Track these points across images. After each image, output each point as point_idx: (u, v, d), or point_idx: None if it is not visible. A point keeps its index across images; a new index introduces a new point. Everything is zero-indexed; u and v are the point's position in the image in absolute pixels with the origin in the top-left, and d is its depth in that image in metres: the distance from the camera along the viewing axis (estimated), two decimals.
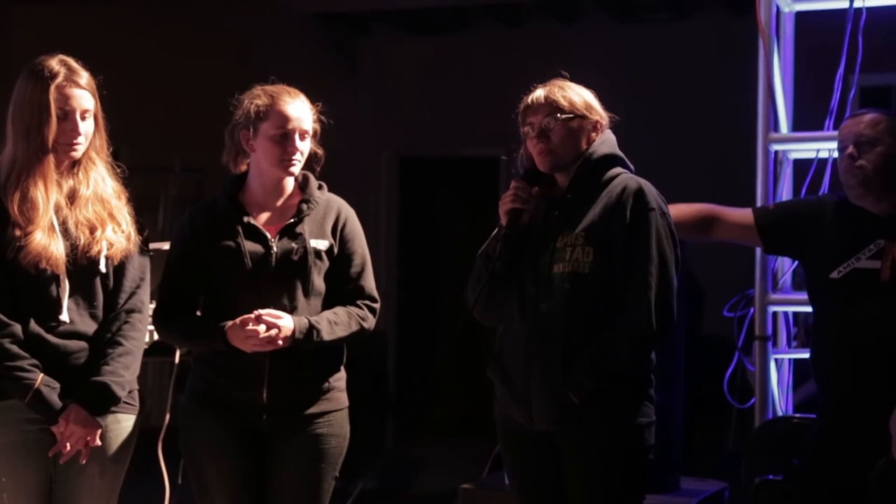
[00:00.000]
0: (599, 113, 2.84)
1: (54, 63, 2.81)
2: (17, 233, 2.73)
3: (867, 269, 2.99)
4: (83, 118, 2.82)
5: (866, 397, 2.93)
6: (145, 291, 2.90)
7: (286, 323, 2.83)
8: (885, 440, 2.65)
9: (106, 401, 2.77)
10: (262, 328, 2.81)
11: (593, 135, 2.83)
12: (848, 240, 3.05)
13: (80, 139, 2.81)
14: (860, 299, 2.98)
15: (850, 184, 3.07)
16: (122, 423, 2.85)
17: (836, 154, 3.57)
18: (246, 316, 2.83)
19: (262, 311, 2.83)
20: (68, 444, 2.72)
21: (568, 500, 2.78)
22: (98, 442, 2.76)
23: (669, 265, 2.72)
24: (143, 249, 2.92)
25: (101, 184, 2.86)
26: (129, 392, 2.87)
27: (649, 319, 2.68)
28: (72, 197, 2.81)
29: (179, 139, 7.58)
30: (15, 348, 2.70)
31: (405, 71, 7.97)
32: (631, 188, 2.75)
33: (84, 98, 2.82)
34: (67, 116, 2.79)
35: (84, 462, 2.75)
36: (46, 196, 2.76)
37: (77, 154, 2.82)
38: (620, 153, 2.86)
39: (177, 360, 3.59)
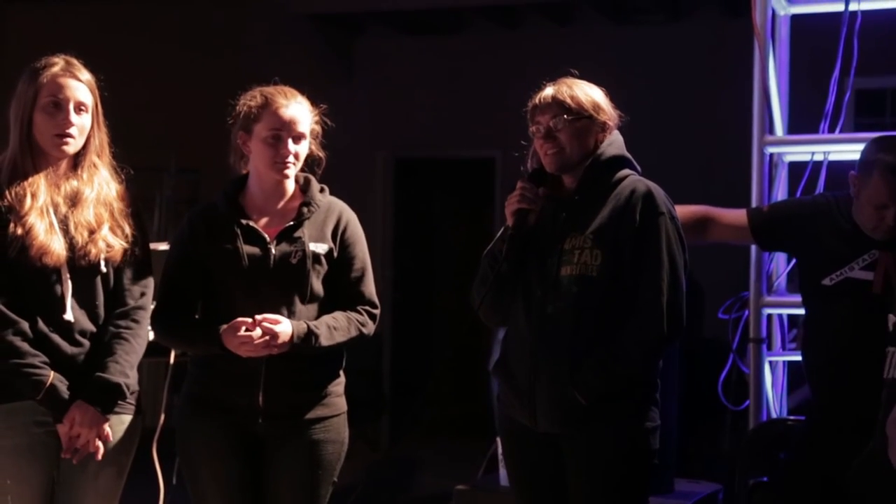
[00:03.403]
0: (608, 113, 2.81)
1: (54, 58, 2.80)
2: (18, 229, 2.71)
3: (860, 280, 2.99)
4: (78, 111, 2.78)
5: (852, 398, 2.94)
6: (150, 291, 2.89)
7: (284, 328, 2.81)
8: (868, 439, 2.66)
9: (114, 401, 2.77)
10: (256, 332, 2.79)
11: (601, 135, 2.80)
12: (843, 248, 3.04)
13: (73, 131, 2.77)
14: (851, 309, 2.98)
15: (876, 233, 3.01)
16: (125, 424, 2.84)
17: (831, 157, 3.58)
18: (240, 319, 2.81)
19: (259, 317, 2.81)
20: (78, 445, 2.71)
21: (568, 502, 2.77)
22: (110, 435, 2.75)
23: (679, 270, 2.72)
24: (146, 251, 2.91)
25: (105, 188, 2.83)
26: (132, 392, 2.86)
27: (661, 324, 2.67)
28: (74, 199, 2.79)
29: (175, 140, 7.57)
30: (25, 345, 2.69)
31: (401, 72, 7.96)
32: (640, 191, 2.74)
33: (80, 90, 2.78)
34: (60, 106, 2.76)
35: (100, 458, 2.74)
36: (34, 185, 2.74)
37: (69, 148, 2.78)
38: (628, 155, 2.84)
39: (172, 360, 3.59)
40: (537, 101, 2.80)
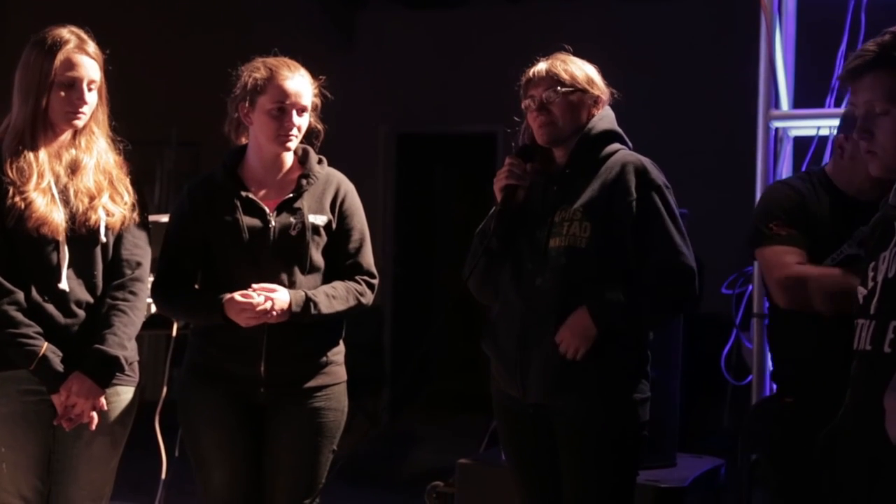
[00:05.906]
0: (600, 88, 2.84)
1: (64, 32, 2.80)
2: (18, 200, 2.72)
3: (860, 256, 2.95)
4: (90, 88, 2.81)
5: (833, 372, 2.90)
6: (147, 262, 2.90)
7: (281, 296, 2.83)
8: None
9: (112, 373, 2.78)
10: (259, 298, 2.80)
11: (593, 110, 2.83)
12: (840, 226, 3.00)
13: (85, 109, 2.80)
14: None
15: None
16: (122, 395, 2.85)
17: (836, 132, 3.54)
18: (244, 291, 2.83)
19: (256, 286, 2.83)
20: (72, 415, 2.72)
21: (562, 475, 2.78)
22: (105, 406, 2.77)
23: (686, 237, 2.77)
24: (145, 221, 2.92)
25: (104, 156, 2.86)
26: (130, 364, 2.87)
27: (691, 284, 2.73)
28: (73, 167, 2.81)
29: (176, 113, 7.55)
30: (19, 315, 2.70)
31: (403, 46, 7.93)
32: (633, 166, 2.75)
33: (92, 68, 2.81)
34: (74, 85, 2.78)
35: (94, 428, 2.76)
36: (39, 160, 2.75)
37: (79, 124, 2.81)
38: (619, 129, 2.86)
39: (174, 333, 3.59)
40: (531, 75, 2.83)
